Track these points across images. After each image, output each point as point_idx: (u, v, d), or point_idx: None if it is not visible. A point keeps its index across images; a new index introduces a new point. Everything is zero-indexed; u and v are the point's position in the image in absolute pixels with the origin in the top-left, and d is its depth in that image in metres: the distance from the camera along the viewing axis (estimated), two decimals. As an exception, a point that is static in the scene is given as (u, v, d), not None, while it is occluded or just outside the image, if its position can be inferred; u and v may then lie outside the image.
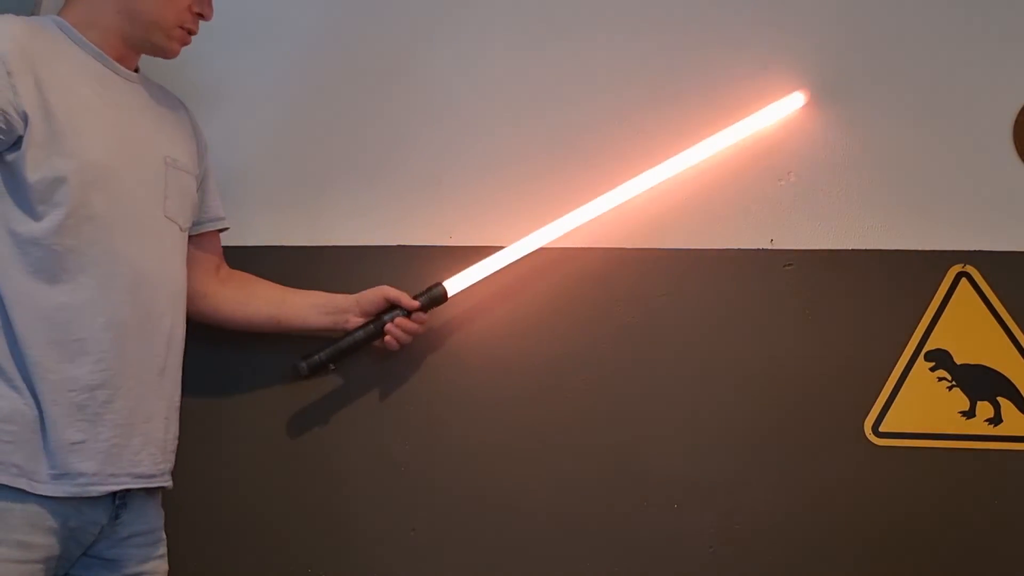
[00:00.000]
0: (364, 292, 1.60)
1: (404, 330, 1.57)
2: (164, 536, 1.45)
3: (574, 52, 1.74)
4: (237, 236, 1.72)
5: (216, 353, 1.67)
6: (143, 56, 1.47)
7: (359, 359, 1.63)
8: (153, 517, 1.43)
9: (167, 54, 1.46)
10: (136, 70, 1.47)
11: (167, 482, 1.42)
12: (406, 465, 1.66)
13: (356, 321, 1.59)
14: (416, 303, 1.58)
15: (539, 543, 1.63)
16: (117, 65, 1.41)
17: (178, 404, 1.45)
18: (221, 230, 1.62)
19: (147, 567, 1.40)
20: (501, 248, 1.65)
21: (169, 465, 1.43)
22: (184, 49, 1.48)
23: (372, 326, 1.58)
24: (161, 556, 1.44)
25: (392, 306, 1.58)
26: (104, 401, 1.30)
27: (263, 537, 1.65)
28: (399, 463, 1.66)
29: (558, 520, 1.63)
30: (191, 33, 1.47)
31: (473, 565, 1.63)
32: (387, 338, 1.57)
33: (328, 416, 1.68)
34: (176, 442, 1.45)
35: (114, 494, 1.33)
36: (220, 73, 1.78)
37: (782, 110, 1.68)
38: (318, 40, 1.79)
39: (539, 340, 1.68)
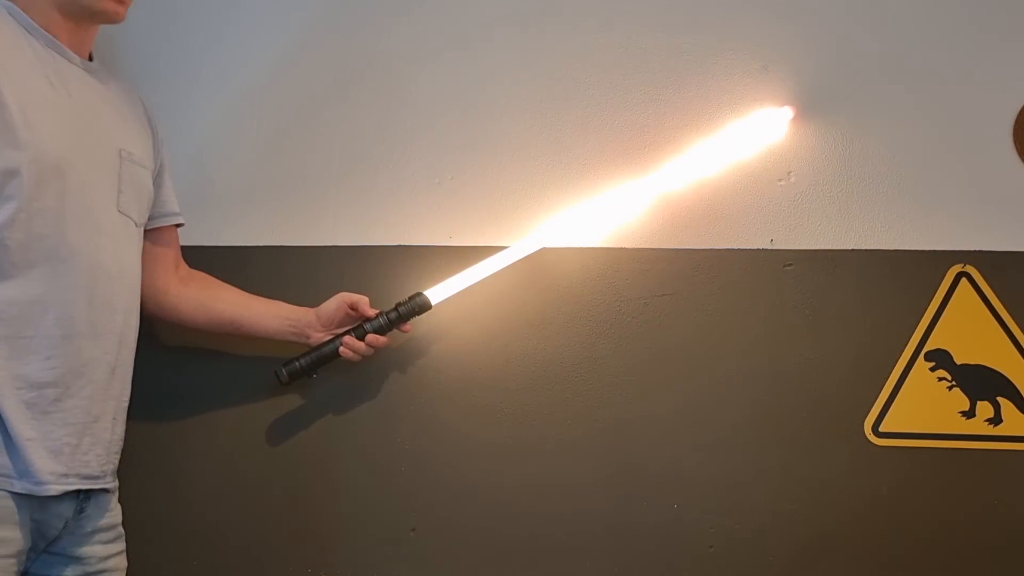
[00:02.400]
0: (323, 304, 1.59)
1: (352, 350, 1.56)
2: (123, 532, 1.44)
3: (573, 53, 1.74)
4: (235, 236, 1.72)
5: (214, 352, 1.68)
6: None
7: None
8: (114, 513, 1.42)
9: (110, 17, 1.40)
10: (90, 58, 1.43)
11: (111, 483, 1.40)
12: (406, 465, 1.66)
13: (319, 336, 1.58)
14: (371, 311, 1.58)
15: (539, 543, 1.63)
16: (71, 53, 1.38)
17: (126, 404, 1.43)
18: (178, 225, 1.59)
19: (109, 564, 1.39)
20: (501, 248, 1.65)
21: (113, 466, 1.41)
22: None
23: (352, 335, 1.58)
24: (121, 552, 1.43)
25: (365, 312, 1.58)
26: (54, 399, 1.28)
27: (263, 537, 1.65)
28: (399, 463, 1.66)
29: (558, 520, 1.63)
30: None
31: (473, 565, 1.63)
32: (341, 349, 1.56)
33: (328, 416, 1.68)
34: (121, 443, 1.43)
35: (77, 490, 1.32)
36: (215, 71, 1.77)
37: (770, 124, 1.68)
38: (318, 39, 1.78)
39: (539, 340, 1.68)
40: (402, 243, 1.71)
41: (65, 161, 1.30)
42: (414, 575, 1.63)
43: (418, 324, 1.63)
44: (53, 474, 1.28)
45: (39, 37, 1.35)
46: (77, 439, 1.31)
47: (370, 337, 1.56)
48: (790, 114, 1.68)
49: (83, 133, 1.35)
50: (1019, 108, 1.68)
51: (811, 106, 1.69)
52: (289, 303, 1.62)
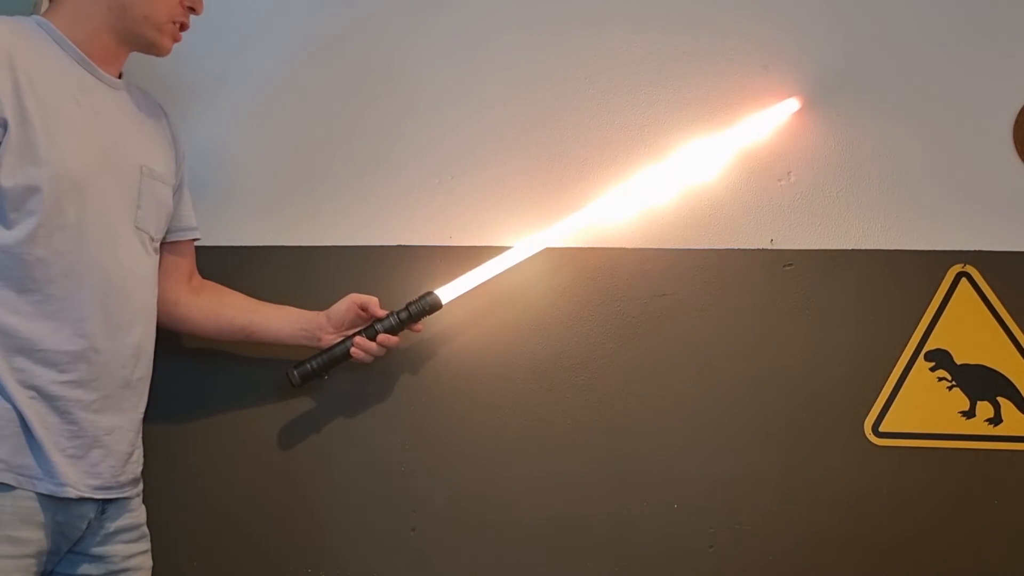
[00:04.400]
0: (333, 306, 1.58)
1: (364, 350, 1.55)
2: (148, 532, 1.44)
3: (574, 52, 1.74)
4: (234, 236, 1.72)
5: (214, 355, 1.68)
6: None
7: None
8: (137, 513, 1.43)
9: (159, 51, 1.44)
10: (119, 75, 1.45)
11: (126, 493, 1.40)
12: (406, 465, 1.66)
13: (329, 339, 1.58)
14: (382, 312, 1.58)
15: (539, 543, 1.63)
16: (100, 71, 1.39)
17: (142, 416, 1.44)
18: (193, 240, 1.60)
19: (132, 563, 1.40)
20: (501, 248, 1.65)
21: (130, 476, 1.41)
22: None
23: (361, 336, 1.58)
24: (145, 552, 1.43)
25: (375, 313, 1.58)
26: (64, 411, 1.29)
27: (263, 537, 1.65)
28: (399, 463, 1.66)
29: (558, 520, 1.63)
30: (182, 28, 1.45)
31: (473, 565, 1.63)
32: (353, 350, 1.56)
33: (328, 416, 1.68)
34: (140, 452, 1.44)
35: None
36: (217, 72, 1.77)
37: (776, 116, 1.68)
38: (317, 39, 1.78)
39: (539, 340, 1.68)
40: (402, 243, 1.71)
41: (85, 178, 1.31)
42: (414, 575, 1.63)
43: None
44: (68, 478, 1.29)
45: (71, 53, 1.36)
46: (84, 451, 1.32)
47: (381, 337, 1.56)
48: (796, 105, 1.68)
49: (105, 150, 1.36)
50: (1019, 108, 1.68)
51: (811, 106, 1.69)
52: (289, 304, 1.62)
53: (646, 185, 1.68)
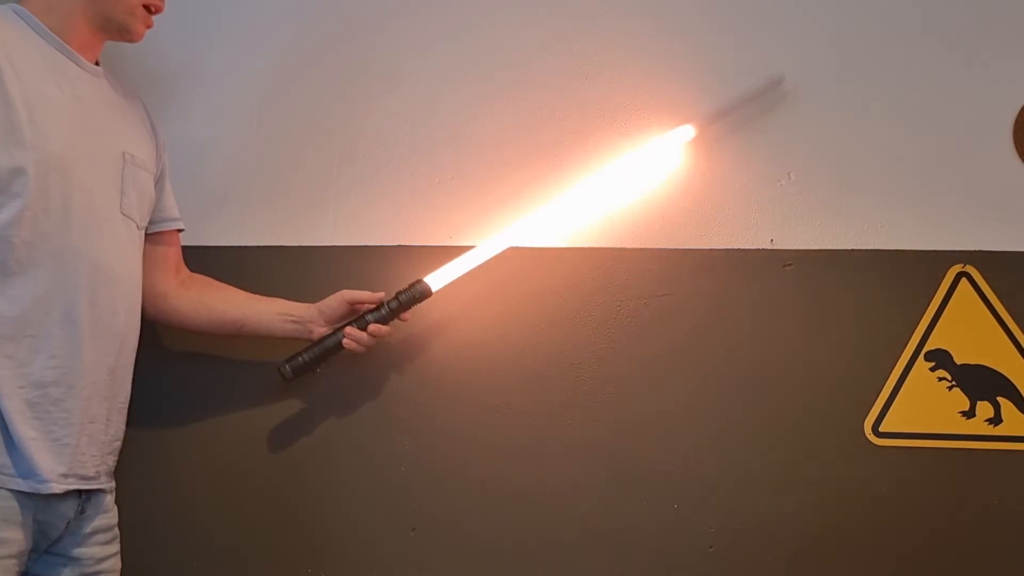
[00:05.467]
0: (325, 300, 1.58)
1: (355, 340, 1.54)
2: (119, 533, 1.44)
3: (574, 53, 1.74)
4: (234, 236, 1.72)
5: (213, 353, 1.68)
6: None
7: (357, 358, 1.62)
8: (111, 513, 1.43)
9: (132, 36, 1.44)
10: (97, 63, 1.45)
11: (105, 484, 1.40)
12: (406, 465, 1.66)
13: (321, 331, 1.57)
14: (375, 298, 1.57)
15: (539, 543, 1.63)
16: (79, 57, 1.40)
17: (122, 406, 1.44)
18: (178, 231, 1.60)
19: (105, 565, 1.40)
20: (501, 248, 1.64)
21: (108, 467, 1.41)
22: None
23: (352, 327, 1.57)
24: (116, 554, 1.44)
25: (366, 307, 1.58)
26: (57, 399, 1.29)
27: (263, 537, 1.65)
28: (399, 463, 1.66)
29: (558, 520, 1.63)
30: (154, 12, 1.45)
31: (473, 565, 1.63)
32: (345, 341, 1.55)
33: (327, 416, 1.68)
34: (117, 443, 1.44)
35: (79, 489, 1.33)
36: (216, 70, 1.77)
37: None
38: (318, 39, 1.78)
39: (539, 340, 1.68)
40: (402, 243, 1.71)
41: (69, 162, 1.32)
42: (414, 575, 1.63)
43: (418, 325, 1.64)
44: (52, 474, 1.28)
45: (49, 40, 1.36)
46: (76, 439, 1.32)
47: (372, 327, 1.55)
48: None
49: (87, 135, 1.36)
50: (1019, 108, 1.68)
51: (811, 106, 1.69)
52: (289, 302, 1.62)
53: (646, 185, 1.68)
